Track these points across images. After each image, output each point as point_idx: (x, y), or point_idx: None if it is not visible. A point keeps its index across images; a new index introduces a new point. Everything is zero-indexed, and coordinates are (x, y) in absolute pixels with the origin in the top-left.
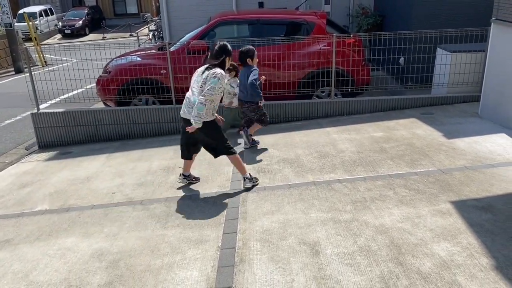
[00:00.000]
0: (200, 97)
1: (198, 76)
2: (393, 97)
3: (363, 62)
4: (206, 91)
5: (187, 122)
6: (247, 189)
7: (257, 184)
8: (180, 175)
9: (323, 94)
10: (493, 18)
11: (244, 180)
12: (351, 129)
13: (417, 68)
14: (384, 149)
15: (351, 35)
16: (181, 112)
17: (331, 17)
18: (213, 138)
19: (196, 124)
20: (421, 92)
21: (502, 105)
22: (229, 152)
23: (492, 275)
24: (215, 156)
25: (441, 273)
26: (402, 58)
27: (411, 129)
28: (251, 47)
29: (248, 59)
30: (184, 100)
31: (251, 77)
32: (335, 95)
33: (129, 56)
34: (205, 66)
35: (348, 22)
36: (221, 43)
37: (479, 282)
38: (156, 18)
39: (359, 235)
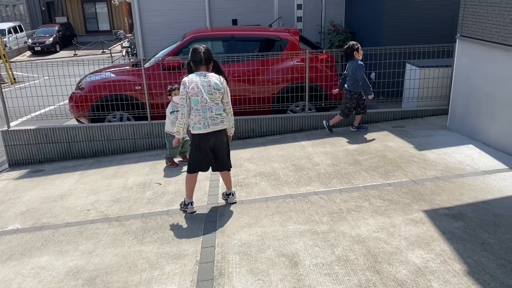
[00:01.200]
0: (228, 108)
1: (204, 87)
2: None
3: (336, 77)
4: (228, 101)
5: (216, 134)
6: (228, 203)
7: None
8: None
9: (298, 108)
10: (458, 35)
11: (233, 195)
12: (325, 142)
13: (388, 82)
14: (359, 161)
15: (324, 51)
16: (204, 128)
17: (303, 33)
18: (227, 147)
19: (233, 130)
20: (392, 106)
21: (469, 118)
22: (230, 165)
23: (465, 280)
24: (221, 169)
25: (416, 279)
26: (373, 73)
27: (383, 142)
28: (354, 42)
29: (354, 53)
30: (199, 118)
31: (360, 73)
32: (309, 109)
33: (103, 73)
34: (203, 74)
35: (320, 39)
36: (203, 46)
37: (453, 287)
38: (130, 35)
39: (337, 245)
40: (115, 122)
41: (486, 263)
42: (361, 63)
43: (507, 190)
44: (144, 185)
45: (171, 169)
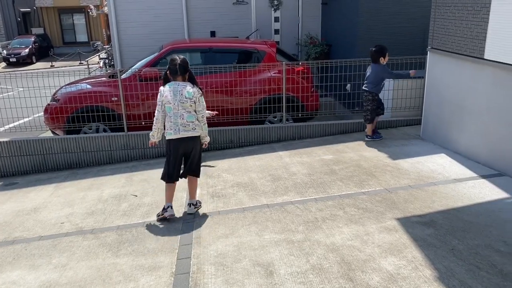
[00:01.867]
0: (200, 116)
1: (177, 96)
2: (341, 121)
3: (312, 89)
4: (202, 110)
5: (186, 141)
6: (192, 215)
7: (200, 207)
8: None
9: (275, 119)
10: (429, 47)
11: (194, 206)
12: (302, 152)
13: (362, 94)
14: (334, 171)
15: (300, 63)
16: (175, 134)
17: (280, 46)
18: (199, 155)
19: (207, 139)
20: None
21: (440, 128)
22: (199, 173)
23: (435, 285)
24: (189, 173)
25: (388, 286)
26: (348, 85)
27: (358, 152)
28: (383, 45)
29: (381, 58)
30: (171, 124)
31: (388, 75)
32: (287, 120)
33: (79, 84)
34: (177, 84)
35: (297, 51)
36: (180, 57)
37: None
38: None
39: (311, 254)
40: (91, 133)
41: (455, 269)
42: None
43: (476, 198)
44: (120, 197)
45: (148, 180)
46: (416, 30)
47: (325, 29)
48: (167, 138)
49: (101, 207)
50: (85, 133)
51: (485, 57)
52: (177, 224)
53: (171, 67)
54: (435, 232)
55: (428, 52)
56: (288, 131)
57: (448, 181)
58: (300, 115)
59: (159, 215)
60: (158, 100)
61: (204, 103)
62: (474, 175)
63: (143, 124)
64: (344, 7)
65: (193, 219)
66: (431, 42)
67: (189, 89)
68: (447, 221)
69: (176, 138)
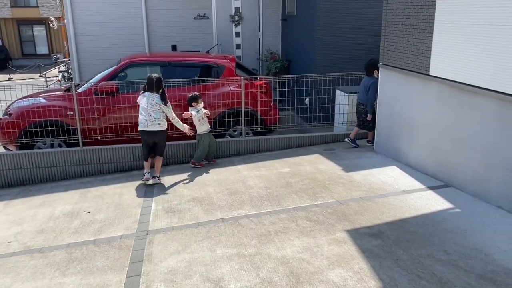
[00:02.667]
0: (171, 118)
1: (149, 102)
2: (299, 135)
3: (271, 103)
4: (171, 113)
5: (152, 134)
6: (158, 230)
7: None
8: (153, 177)
9: (235, 133)
10: (379, 63)
11: (158, 178)
12: (260, 166)
13: (320, 108)
14: (290, 183)
15: (258, 78)
16: (144, 127)
17: (242, 60)
18: (163, 143)
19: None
20: (325, 130)
21: (392, 141)
22: (163, 154)
23: None
24: (156, 154)
25: None
26: (307, 99)
27: (315, 164)
28: (375, 59)
29: (375, 71)
30: (143, 119)
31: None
32: (247, 133)
33: (33, 98)
34: (151, 94)
35: (258, 66)
36: (156, 75)
37: None
38: (67, 59)
39: (262, 267)
40: (45, 149)
41: (398, 279)
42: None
43: (423, 208)
44: (72, 214)
45: (103, 196)
46: (372, 46)
47: (285, 44)
48: (139, 129)
49: (52, 224)
50: (39, 148)
51: (430, 74)
52: (129, 240)
53: (149, 81)
54: (382, 243)
55: (380, 68)
56: (247, 145)
57: (397, 192)
58: (259, 128)
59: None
60: (138, 99)
61: (171, 108)
62: (422, 186)
63: (99, 139)
64: (302, 24)
65: (146, 235)
66: (382, 59)
67: (157, 99)
68: (394, 232)
69: (145, 130)
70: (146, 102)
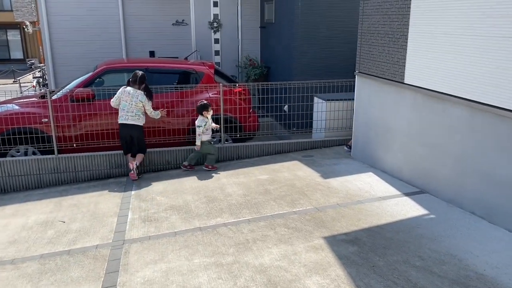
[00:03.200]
0: (149, 112)
1: (133, 98)
2: (278, 141)
3: (251, 110)
4: (150, 108)
5: (130, 127)
6: (134, 240)
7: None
8: (134, 170)
9: (215, 139)
10: (356, 71)
11: (139, 167)
12: (240, 173)
13: (299, 115)
14: (269, 190)
15: (237, 85)
16: (124, 120)
17: (221, 67)
18: (141, 139)
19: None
20: (303, 137)
21: (369, 147)
22: (144, 150)
23: None
24: (137, 152)
25: None
26: (286, 106)
27: (293, 171)
28: None
29: None
30: (124, 114)
31: None
32: (226, 140)
33: (6, 105)
34: (135, 90)
35: (238, 72)
36: (141, 72)
37: None
38: (42, 64)
39: (239, 276)
40: (18, 156)
41: (375, 285)
42: None
43: (398, 215)
44: (46, 223)
45: (78, 205)
46: (349, 54)
47: (264, 51)
48: (119, 122)
49: (25, 235)
50: (12, 156)
51: (405, 82)
52: (105, 250)
53: (133, 77)
54: (359, 250)
55: (356, 76)
56: (226, 152)
57: (374, 199)
58: (239, 135)
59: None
60: (117, 95)
61: (150, 105)
62: (398, 193)
63: (74, 146)
64: (280, 32)
65: (122, 245)
66: (358, 67)
67: (140, 96)
68: (371, 239)
69: (124, 123)
70: (131, 100)
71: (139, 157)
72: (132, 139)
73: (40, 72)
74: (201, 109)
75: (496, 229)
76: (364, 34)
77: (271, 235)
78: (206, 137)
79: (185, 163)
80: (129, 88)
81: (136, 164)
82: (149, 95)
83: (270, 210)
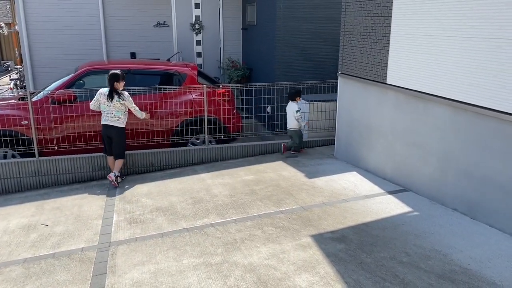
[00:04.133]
0: (133, 110)
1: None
2: (262, 142)
3: (234, 111)
4: (133, 106)
5: (109, 128)
6: (120, 242)
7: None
8: (115, 177)
9: (198, 141)
10: (339, 72)
11: (119, 175)
12: (224, 174)
13: (282, 115)
14: (255, 191)
15: (221, 86)
16: (104, 121)
17: (203, 69)
18: (120, 142)
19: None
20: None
21: (352, 147)
22: (122, 156)
23: None
24: (114, 155)
25: None
26: (269, 107)
27: (278, 171)
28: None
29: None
30: (104, 115)
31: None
32: (210, 142)
33: None
34: (110, 94)
35: (220, 74)
36: (119, 72)
37: None
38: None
39: (229, 276)
40: None
41: (363, 281)
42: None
43: (383, 212)
44: (28, 227)
45: (61, 208)
46: (330, 56)
47: (246, 53)
48: (101, 123)
49: (6, 239)
50: None
51: (387, 82)
52: (90, 253)
53: (108, 78)
54: (346, 247)
55: (339, 77)
56: (210, 153)
57: (358, 197)
58: (222, 136)
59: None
60: (95, 97)
61: (133, 103)
62: (382, 191)
63: (56, 149)
64: (262, 34)
65: (109, 247)
66: (341, 68)
67: (116, 98)
68: (357, 236)
69: (104, 124)
70: (107, 101)
71: (118, 163)
72: (111, 141)
73: (18, 74)
74: (296, 95)
75: (478, 225)
76: (346, 36)
77: (259, 234)
78: (301, 124)
79: (292, 149)
80: (105, 89)
81: (115, 174)
82: (118, 95)
83: (257, 210)
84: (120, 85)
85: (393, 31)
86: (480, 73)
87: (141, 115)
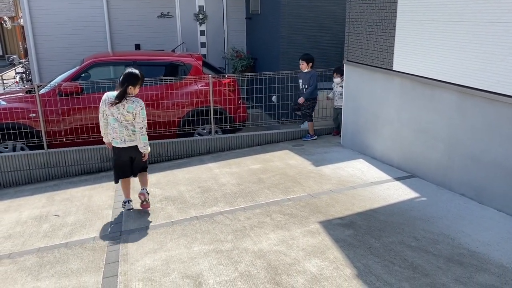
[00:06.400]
0: (140, 129)
1: (119, 109)
2: (268, 131)
3: (239, 101)
4: (142, 122)
5: (131, 149)
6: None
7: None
8: (127, 203)
9: (204, 131)
10: (344, 60)
11: (145, 190)
12: (231, 163)
13: (288, 104)
14: (262, 179)
15: (226, 76)
16: (121, 143)
17: (207, 59)
18: (142, 158)
19: (147, 150)
20: (292, 126)
21: (358, 135)
22: (146, 167)
23: (354, 282)
24: (137, 173)
25: (312, 287)
26: (274, 96)
27: (284, 160)
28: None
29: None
30: (117, 133)
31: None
32: (216, 132)
33: None
34: (118, 97)
35: (224, 64)
36: (127, 71)
37: None
38: (24, 60)
39: (240, 262)
40: (7, 152)
41: (372, 266)
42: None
43: (391, 198)
44: (40, 218)
45: (71, 199)
46: (335, 43)
47: (250, 43)
48: (113, 145)
49: (19, 229)
50: (0, 152)
51: (393, 69)
52: (102, 242)
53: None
54: (355, 233)
55: (344, 64)
56: (217, 143)
57: (366, 184)
58: (228, 126)
59: (122, 204)
60: (100, 110)
61: (145, 118)
62: (389, 177)
63: (64, 141)
64: (266, 22)
65: (120, 236)
66: (347, 55)
67: (129, 105)
68: (365, 222)
69: (123, 148)
70: (117, 110)
71: (147, 177)
72: (133, 161)
73: (23, 68)
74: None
75: (486, 209)
76: (352, 23)
77: (268, 221)
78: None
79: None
80: (111, 93)
81: (146, 191)
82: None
83: (265, 198)
84: (135, 91)
85: (399, 17)
86: (487, 57)
87: (145, 141)
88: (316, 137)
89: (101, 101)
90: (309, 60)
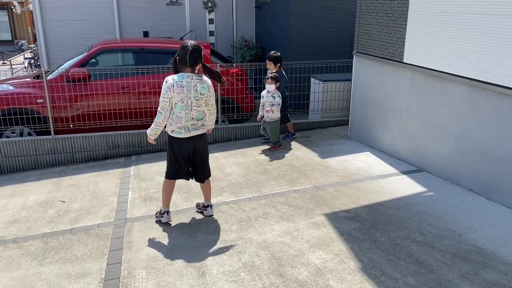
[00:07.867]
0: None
1: (190, 92)
2: None
3: (247, 90)
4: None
5: (196, 139)
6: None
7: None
8: (210, 206)
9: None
10: (354, 51)
11: (211, 207)
12: (238, 153)
13: (295, 95)
14: (268, 170)
15: (234, 65)
16: (188, 133)
17: (216, 48)
18: (207, 153)
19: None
20: (299, 118)
21: (366, 127)
22: (210, 173)
23: (359, 276)
24: (202, 180)
25: (316, 279)
26: None
27: (291, 151)
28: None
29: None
30: (186, 122)
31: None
32: (223, 121)
33: (0, 85)
34: (190, 76)
35: (233, 53)
36: (192, 43)
37: (348, 284)
38: (33, 45)
39: (244, 252)
40: (14, 137)
41: (377, 259)
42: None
43: (397, 192)
44: (46, 203)
45: (77, 185)
46: (344, 34)
47: (259, 32)
48: (174, 136)
49: (25, 214)
50: (8, 137)
51: (404, 61)
52: (107, 229)
53: (180, 55)
54: (360, 226)
55: (354, 56)
56: (224, 133)
57: (372, 177)
58: (235, 116)
59: (157, 214)
60: (163, 93)
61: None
62: (396, 171)
63: (71, 127)
64: (276, 12)
65: (125, 223)
66: (356, 47)
67: (202, 85)
68: (371, 215)
69: (189, 137)
70: (194, 98)
71: (208, 186)
72: (191, 157)
73: (31, 53)
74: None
75: (494, 205)
76: (362, 14)
77: (273, 212)
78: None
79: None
80: (177, 76)
81: (211, 206)
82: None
83: (270, 189)
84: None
85: (411, 8)
86: (501, 51)
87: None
88: (296, 135)
89: (168, 85)
90: (278, 59)
